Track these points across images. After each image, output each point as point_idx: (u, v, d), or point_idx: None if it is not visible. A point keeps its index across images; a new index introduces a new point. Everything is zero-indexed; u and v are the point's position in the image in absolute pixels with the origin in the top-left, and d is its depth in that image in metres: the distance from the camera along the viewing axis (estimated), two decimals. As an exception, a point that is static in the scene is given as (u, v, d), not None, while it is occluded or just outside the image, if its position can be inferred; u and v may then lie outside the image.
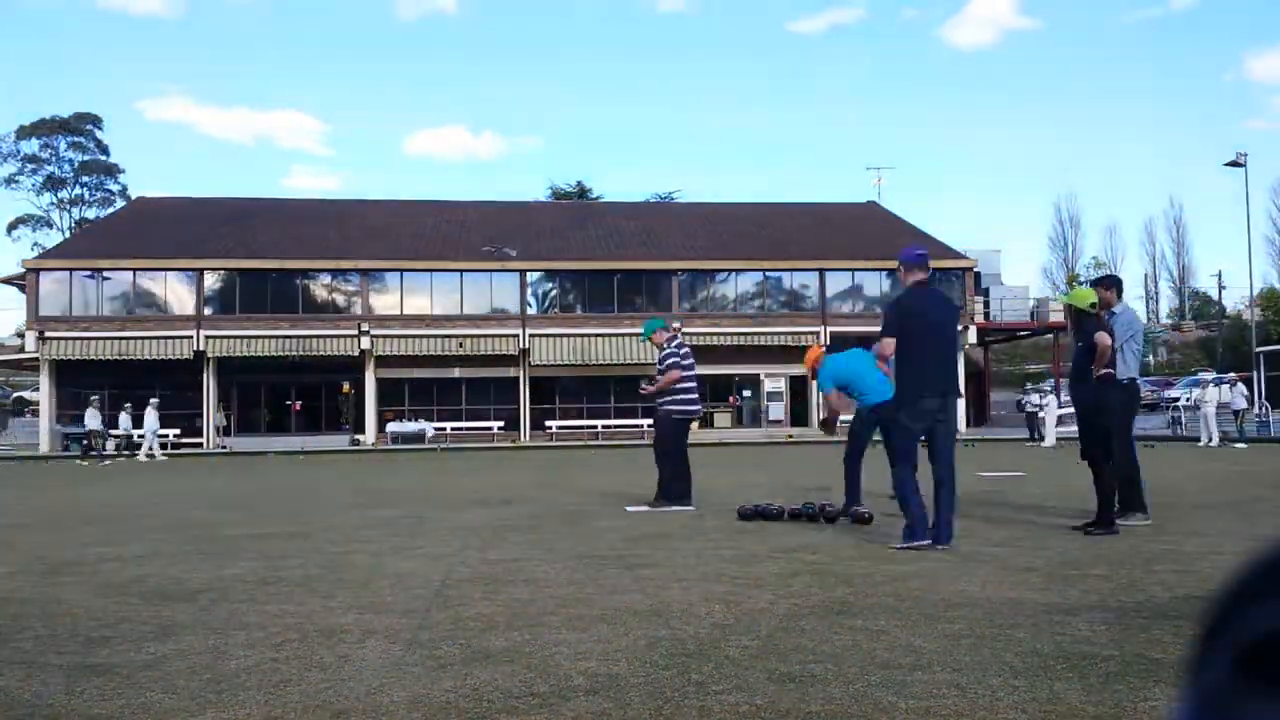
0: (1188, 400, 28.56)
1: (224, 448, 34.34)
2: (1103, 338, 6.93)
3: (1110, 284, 7.90)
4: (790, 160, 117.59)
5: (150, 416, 27.31)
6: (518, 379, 36.96)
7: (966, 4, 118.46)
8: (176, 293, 35.98)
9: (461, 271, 36.58)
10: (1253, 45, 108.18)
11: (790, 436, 35.06)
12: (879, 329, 6.71)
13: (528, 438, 36.35)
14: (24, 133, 67.75)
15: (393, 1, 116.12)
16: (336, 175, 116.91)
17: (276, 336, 35.37)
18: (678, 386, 9.13)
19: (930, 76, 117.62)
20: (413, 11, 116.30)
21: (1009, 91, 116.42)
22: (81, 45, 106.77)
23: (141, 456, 26.61)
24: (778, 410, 38.25)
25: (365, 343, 35.31)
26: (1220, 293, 58.13)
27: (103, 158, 70.11)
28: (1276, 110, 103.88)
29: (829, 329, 37.25)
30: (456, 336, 35.89)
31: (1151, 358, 66.72)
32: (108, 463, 24.86)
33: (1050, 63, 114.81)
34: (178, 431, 35.55)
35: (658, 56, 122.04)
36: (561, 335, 36.40)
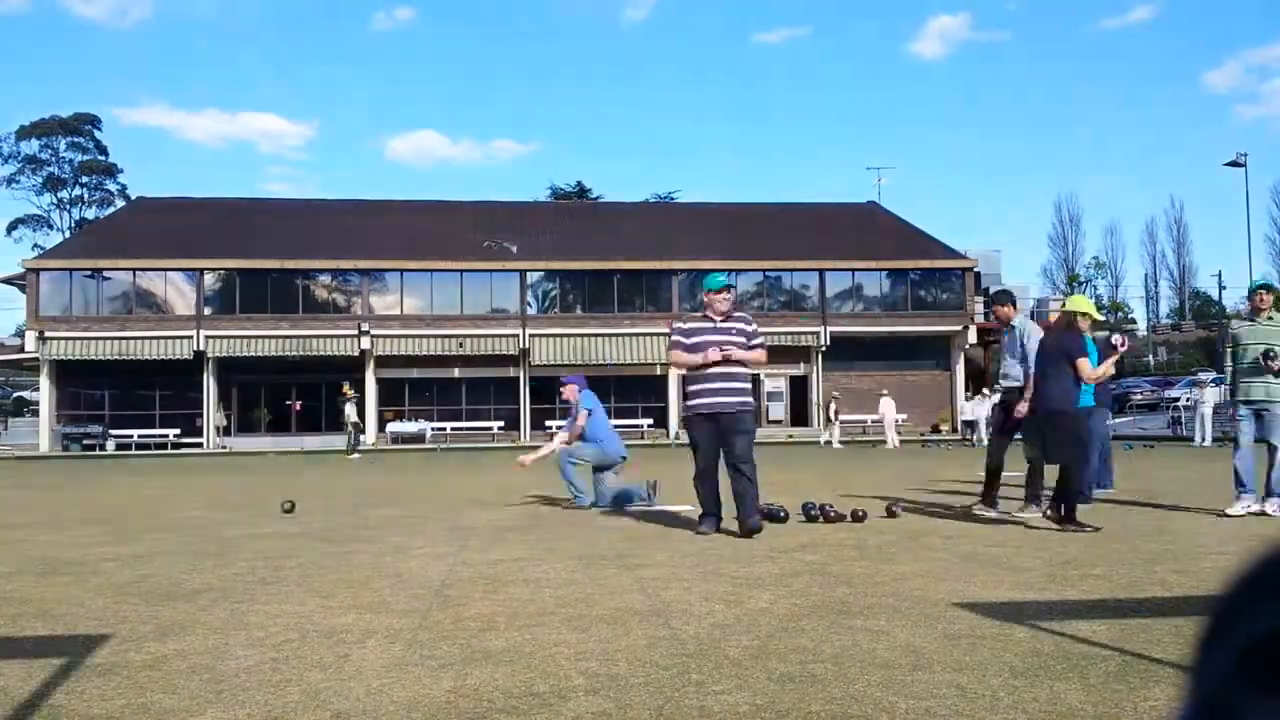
0: (1187, 400, 28.60)
1: (224, 448, 34.35)
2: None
3: (1006, 299, 8.47)
4: (790, 160, 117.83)
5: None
6: (518, 379, 36.97)
7: (924, 23, 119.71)
8: (176, 293, 36.00)
9: (461, 271, 36.61)
10: (1252, 44, 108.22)
11: (791, 436, 35.06)
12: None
13: (528, 438, 36.35)
14: (24, 133, 67.79)
15: (367, 12, 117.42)
16: (315, 181, 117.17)
17: (276, 336, 35.39)
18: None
19: (928, 78, 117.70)
20: (386, 23, 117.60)
21: (1009, 92, 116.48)
22: (55, 54, 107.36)
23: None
24: (778, 410, 38.26)
25: (365, 343, 35.32)
26: (1220, 293, 58.13)
27: (102, 158, 70.16)
28: (1274, 110, 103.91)
29: (829, 329, 37.26)
30: (456, 336, 35.91)
31: (1151, 358, 66.77)
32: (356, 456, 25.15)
33: (1046, 65, 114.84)
34: (178, 431, 35.60)
35: (629, 63, 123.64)
36: (561, 335, 36.43)
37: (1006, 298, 8.50)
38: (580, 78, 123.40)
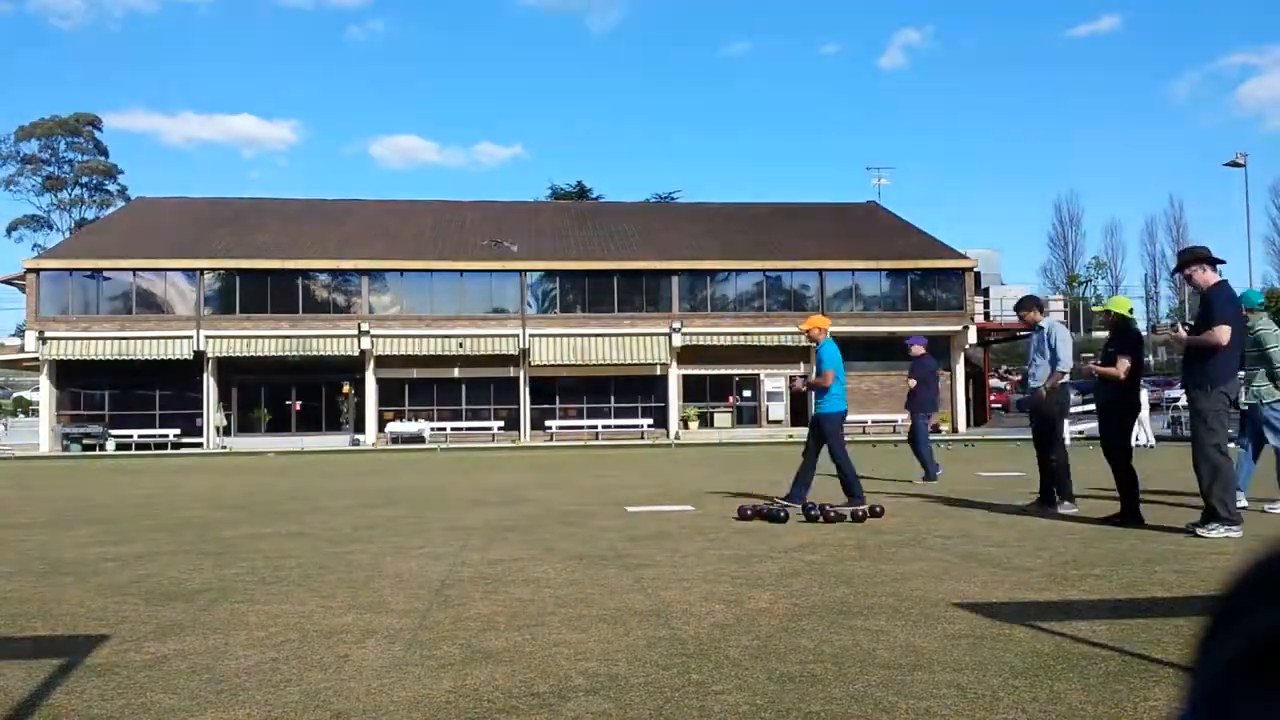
0: (1185, 402, 28.62)
1: (224, 448, 34.35)
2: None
3: (1032, 304, 8.90)
4: (790, 160, 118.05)
5: None
6: (518, 379, 36.96)
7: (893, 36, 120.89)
8: (176, 293, 35.99)
9: (461, 271, 36.59)
10: (1248, 44, 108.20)
11: (791, 436, 35.08)
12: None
13: (528, 438, 36.35)
14: (24, 134, 67.79)
15: (341, 24, 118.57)
16: (299, 188, 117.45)
17: (276, 336, 35.38)
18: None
19: (928, 77, 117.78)
20: (359, 33, 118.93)
21: (1008, 92, 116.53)
22: (32, 60, 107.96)
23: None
24: (778, 410, 38.27)
25: (365, 343, 35.31)
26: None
27: (102, 159, 70.17)
28: (1274, 110, 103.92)
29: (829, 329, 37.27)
30: (456, 336, 35.89)
31: (1152, 358, 66.75)
32: None
33: (1044, 66, 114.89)
34: (178, 431, 35.61)
35: (605, 69, 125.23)
36: (561, 335, 36.41)
37: (1032, 303, 8.92)
38: (557, 83, 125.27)
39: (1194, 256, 6.76)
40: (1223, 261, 6.77)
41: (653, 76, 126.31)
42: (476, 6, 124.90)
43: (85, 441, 34.08)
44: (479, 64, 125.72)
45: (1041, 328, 8.53)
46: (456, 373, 36.97)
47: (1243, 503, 8.08)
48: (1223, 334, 6.45)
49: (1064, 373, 8.34)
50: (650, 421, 37.22)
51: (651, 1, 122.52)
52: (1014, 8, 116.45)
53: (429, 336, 35.84)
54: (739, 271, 37.88)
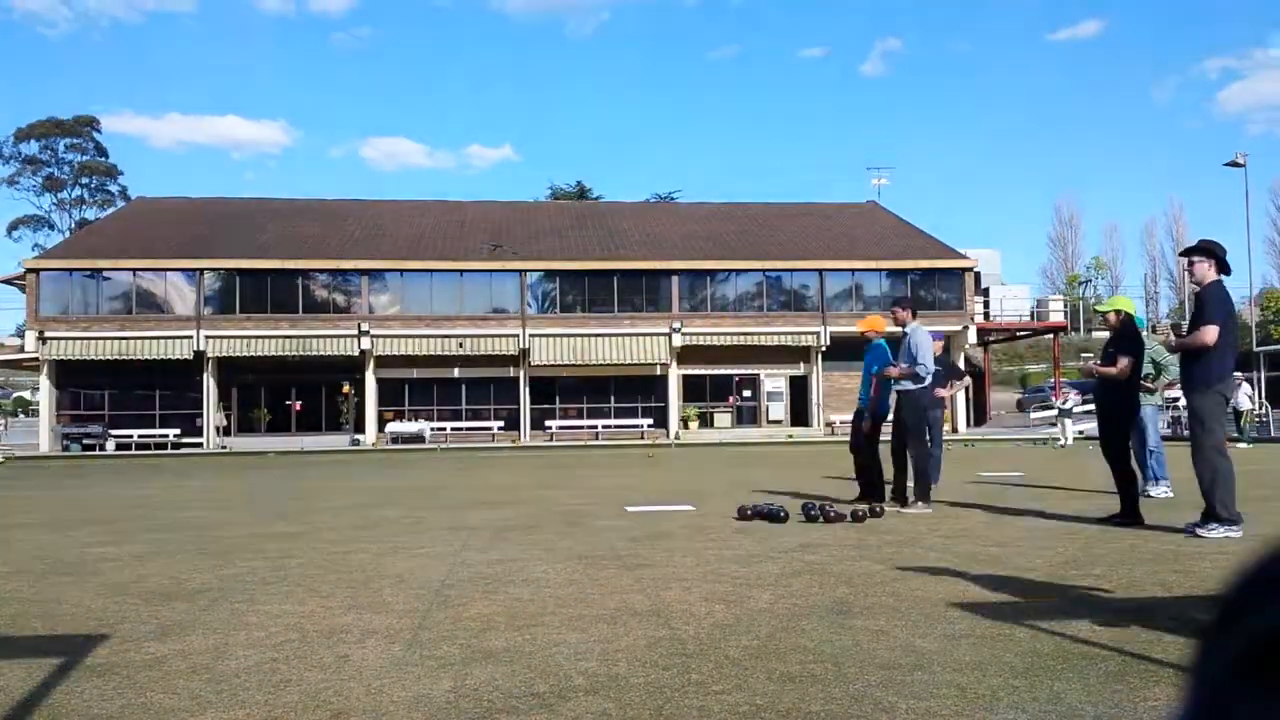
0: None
1: (224, 448, 34.34)
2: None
3: (906, 305, 9.20)
4: (790, 160, 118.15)
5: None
6: (518, 379, 36.95)
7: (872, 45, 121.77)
8: (176, 293, 35.98)
9: (461, 271, 36.58)
10: (1241, 46, 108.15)
11: (791, 436, 35.06)
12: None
13: (528, 438, 36.34)
14: (23, 134, 67.80)
15: (327, 31, 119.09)
16: (297, 187, 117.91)
17: (276, 336, 35.36)
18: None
19: (928, 76, 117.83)
20: (345, 40, 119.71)
21: (1007, 94, 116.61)
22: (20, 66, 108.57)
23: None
24: (778, 410, 38.26)
25: (365, 343, 35.30)
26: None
27: (101, 159, 70.19)
28: (1275, 111, 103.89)
29: (829, 329, 37.25)
30: (456, 336, 35.88)
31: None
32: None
33: (1042, 67, 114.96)
34: (178, 431, 35.60)
35: (590, 72, 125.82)
36: (561, 335, 36.40)
37: (906, 304, 9.27)
38: (543, 85, 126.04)
39: (1204, 248, 6.76)
40: (1229, 271, 6.71)
41: (640, 79, 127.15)
42: (461, 11, 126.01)
43: (85, 441, 34.06)
44: (467, 67, 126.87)
45: (906, 333, 8.94)
46: (456, 373, 36.96)
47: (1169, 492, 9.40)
48: (1209, 334, 6.48)
49: (923, 375, 8.73)
50: (650, 421, 37.21)
51: (632, 8, 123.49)
52: (1000, 14, 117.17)
53: (429, 336, 35.83)
54: (739, 271, 37.86)
